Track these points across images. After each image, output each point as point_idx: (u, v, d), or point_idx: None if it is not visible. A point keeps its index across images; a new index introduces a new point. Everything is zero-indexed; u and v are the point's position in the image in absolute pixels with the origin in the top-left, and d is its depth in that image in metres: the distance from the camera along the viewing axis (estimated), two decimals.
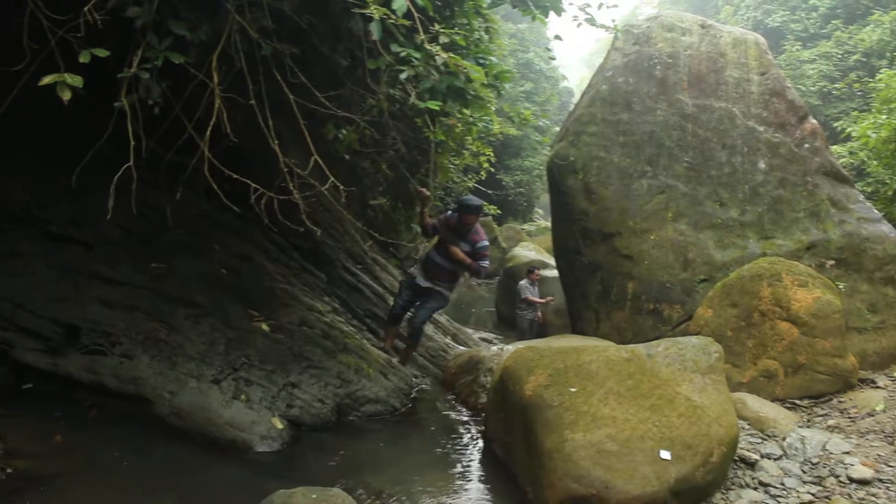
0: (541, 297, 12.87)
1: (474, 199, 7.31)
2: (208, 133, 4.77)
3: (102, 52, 4.17)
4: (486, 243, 7.33)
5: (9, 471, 4.56)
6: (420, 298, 7.57)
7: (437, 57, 4.95)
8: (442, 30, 5.12)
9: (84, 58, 4.10)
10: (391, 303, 8.27)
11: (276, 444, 5.68)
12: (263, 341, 6.34)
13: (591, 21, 7.24)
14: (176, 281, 6.39)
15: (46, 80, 3.95)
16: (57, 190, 6.17)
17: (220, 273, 6.74)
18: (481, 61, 6.04)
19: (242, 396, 5.85)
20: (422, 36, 4.89)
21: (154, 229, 6.57)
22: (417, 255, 21.46)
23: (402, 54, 4.90)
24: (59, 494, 4.44)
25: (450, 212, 7.59)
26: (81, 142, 5.29)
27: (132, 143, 4.40)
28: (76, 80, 3.96)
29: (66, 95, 3.96)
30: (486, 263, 7.38)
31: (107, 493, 4.59)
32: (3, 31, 4.72)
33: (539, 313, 12.94)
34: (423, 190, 7.39)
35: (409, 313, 7.81)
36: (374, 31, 4.55)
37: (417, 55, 4.92)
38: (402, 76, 4.90)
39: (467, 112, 7.41)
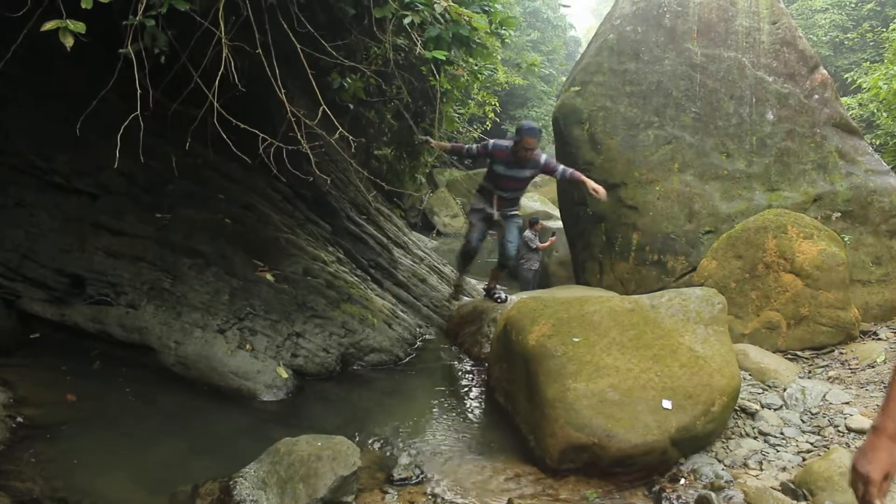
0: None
1: (533, 122, 7.17)
2: (217, 83, 4.72)
3: None
4: (546, 156, 7.28)
5: (18, 419, 4.62)
6: (493, 228, 7.80)
7: (439, 5, 4.88)
8: None
9: (86, 3, 4.04)
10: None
11: (281, 393, 5.75)
12: (268, 291, 6.37)
13: None
14: (180, 231, 6.40)
15: (48, 25, 3.90)
16: (61, 140, 6.15)
17: (225, 223, 6.74)
18: (486, 8, 5.95)
19: (247, 346, 5.89)
20: None
21: (158, 179, 6.56)
22: (421, 205, 21.50)
23: (407, 0, 4.83)
24: (68, 442, 4.51)
25: (491, 143, 7.33)
26: (85, 91, 5.25)
27: (139, 92, 4.35)
28: (78, 26, 3.91)
29: (69, 42, 3.91)
30: (564, 167, 7.18)
31: (114, 440, 4.66)
32: None
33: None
34: (426, 139, 7.45)
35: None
36: None
37: (423, 3, 4.85)
38: (406, 21, 4.84)
39: (472, 60, 7.33)
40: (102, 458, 4.42)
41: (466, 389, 6.55)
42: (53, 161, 6.20)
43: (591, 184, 6.80)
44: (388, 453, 4.94)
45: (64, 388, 5.17)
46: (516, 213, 7.61)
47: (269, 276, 6.52)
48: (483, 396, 6.30)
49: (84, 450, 4.46)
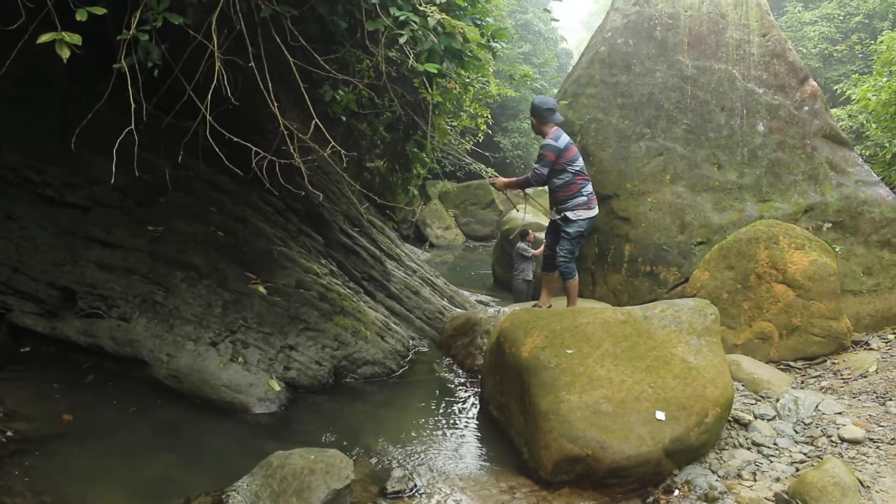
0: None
1: (538, 98, 6.67)
2: (209, 96, 4.73)
3: (100, 10, 4.11)
4: (547, 142, 6.39)
5: (8, 433, 4.59)
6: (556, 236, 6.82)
7: (432, 18, 4.89)
8: None
9: (81, 16, 4.04)
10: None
11: (274, 406, 5.73)
12: (260, 304, 6.35)
13: None
14: (173, 243, 6.39)
15: (44, 37, 3.90)
16: (53, 153, 6.15)
17: (217, 235, 6.73)
18: (478, 22, 5.97)
19: (240, 359, 5.87)
20: None
21: (151, 192, 6.55)
22: (414, 217, 21.52)
23: (401, 18, 4.84)
24: (59, 456, 4.48)
25: None
26: (77, 105, 5.25)
27: (132, 105, 4.35)
28: (74, 38, 3.92)
29: (65, 53, 3.91)
30: (536, 166, 6.44)
31: (106, 454, 4.64)
32: None
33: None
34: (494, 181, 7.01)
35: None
36: None
37: (416, 18, 4.86)
38: (402, 40, 4.85)
39: (464, 73, 7.34)
40: (94, 472, 4.39)
41: (460, 402, 6.54)
42: (46, 174, 6.19)
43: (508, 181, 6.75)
44: (381, 466, 4.92)
45: (55, 402, 5.15)
46: (567, 214, 6.54)
47: (261, 289, 6.50)
48: (476, 409, 6.29)
49: (75, 464, 4.43)
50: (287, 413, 5.75)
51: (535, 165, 6.41)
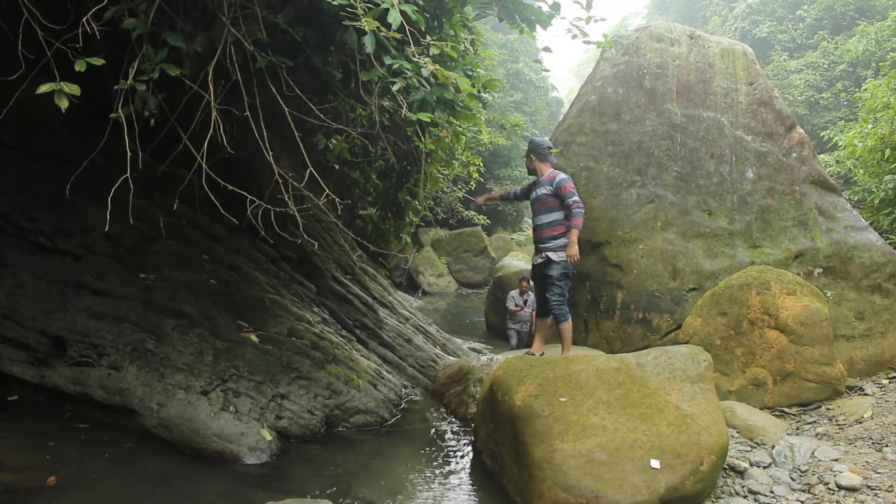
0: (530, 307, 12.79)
1: (541, 139, 7.01)
2: (205, 145, 4.77)
3: (98, 61, 4.18)
4: (563, 176, 6.64)
5: None
6: (542, 280, 6.79)
7: (426, 69, 4.97)
8: (433, 42, 5.15)
9: (80, 66, 4.11)
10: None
11: (265, 456, 5.66)
12: (252, 352, 6.32)
13: (584, 34, 7.19)
14: (164, 291, 6.37)
15: (44, 88, 3.96)
16: (45, 200, 6.16)
17: (209, 283, 6.72)
18: (469, 73, 6.06)
19: (231, 408, 5.82)
20: (413, 48, 4.91)
21: (143, 240, 6.55)
22: (406, 265, 21.53)
23: (395, 66, 4.91)
24: None
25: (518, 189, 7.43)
26: (70, 153, 5.28)
27: (129, 154, 4.39)
28: (73, 89, 3.98)
29: (64, 104, 3.97)
30: (573, 199, 6.46)
31: None
32: None
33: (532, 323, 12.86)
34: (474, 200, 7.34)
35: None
36: (368, 43, 4.56)
37: (409, 67, 4.94)
38: (395, 88, 4.92)
39: (456, 122, 7.42)
40: None
41: (453, 451, 6.47)
42: (37, 221, 6.19)
43: (572, 242, 6.40)
44: None
45: (42, 453, 5.06)
46: (549, 255, 6.56)
47: (253, 337, 6.47)
48: (470, 457, 6.23)
49: None
50: (278, 463, 5.68)
51: (574, 199, 6.46)
